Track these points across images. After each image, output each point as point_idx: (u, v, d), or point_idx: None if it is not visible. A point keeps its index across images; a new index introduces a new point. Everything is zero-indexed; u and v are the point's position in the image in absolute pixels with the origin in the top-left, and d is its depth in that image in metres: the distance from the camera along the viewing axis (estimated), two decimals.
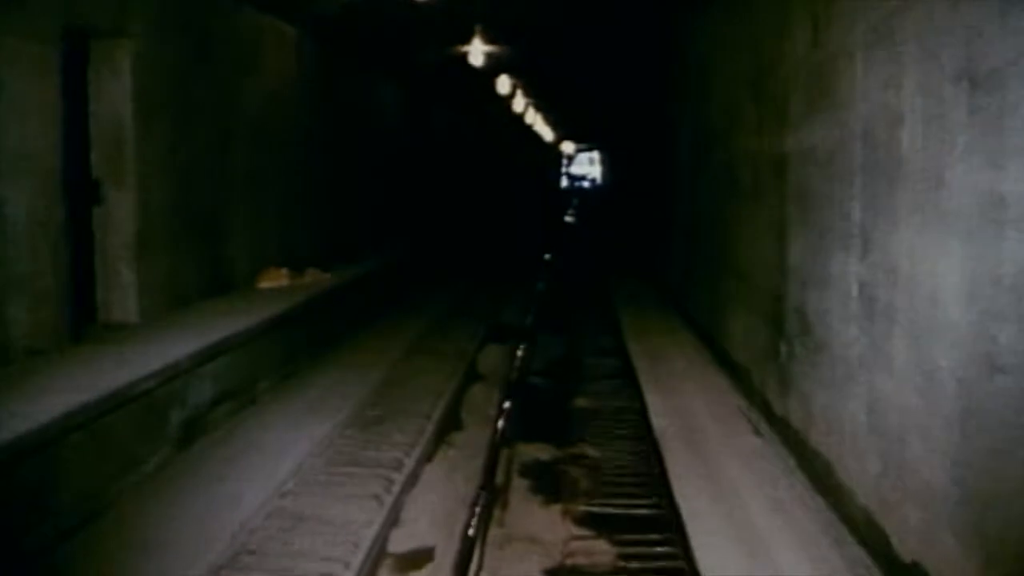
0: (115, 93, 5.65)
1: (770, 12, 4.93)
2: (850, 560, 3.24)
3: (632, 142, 15.02)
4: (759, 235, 5.17)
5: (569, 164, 51.39)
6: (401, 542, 4.01)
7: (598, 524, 4.19)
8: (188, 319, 6.00)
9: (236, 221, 7.50)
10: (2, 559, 3.38)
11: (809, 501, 3.78)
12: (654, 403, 5.41)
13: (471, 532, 4.05)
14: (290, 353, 6.75)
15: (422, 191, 15.80)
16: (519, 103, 18.51)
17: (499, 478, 4.86)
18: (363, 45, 10.75)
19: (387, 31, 10.18)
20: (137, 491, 4.25)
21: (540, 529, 4.17)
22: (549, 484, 4.76)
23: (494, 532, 4.15)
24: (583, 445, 5.35)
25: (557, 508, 4.41)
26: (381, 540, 3.93)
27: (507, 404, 6.18)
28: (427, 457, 5.09)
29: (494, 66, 12.49)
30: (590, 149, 44.28)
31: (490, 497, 4.50)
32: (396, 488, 4.46)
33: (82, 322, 5.38)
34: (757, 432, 4.75)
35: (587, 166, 50.43)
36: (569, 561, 3.84)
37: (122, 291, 5.71)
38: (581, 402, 6.37)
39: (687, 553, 3.53)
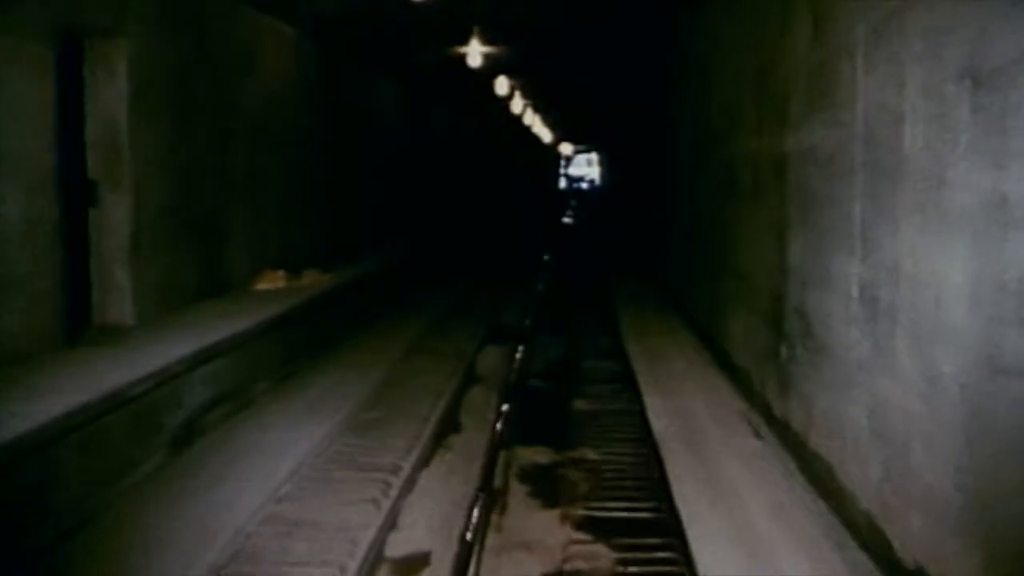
0: (111, 94, 5.61)
1: (770, 11, 4.89)
2: (852, 565, 3.20)
3: (632, 142, 14.99)
4: (759, 235, 5.13)
5: (567, 165, 51.36)
6: (398, 546, 3.98)
7: (597, 528, 4.15)
8: (184, 321, 5.96)
9: (235, 222, 7.46)
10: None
11: (810, 504, 3.75)
12: (654, 405, 5.37)
13: (469, 537, 4.01)
14: (289, 353, 6.72)
15: (422, 192, 15.77)
16: (517, 104, 18.47)
17: (497, 481, 4.82)
18: (362, 45, 10.72)
19: (386, 31, 10.15)
20: (133, 496, 4.21)
21: (538, 533, 4.13)
22: (548, 488, 4.72)
23: (492, 537, 4.11)
24: (582, 448, 5.31)
25: (556, 512, 4.37)
26: (378, 544, 3.89)
27: (506, 406, 6.14)
28: (425, 460, 5.05)
29: (492, 67, 12.45)
30: (588, 150, 44.27)
31: (488, 501, 4.47)
32: (394, 492, 4.43)
33: (77, 324, 5.35)
34: (757, 434, 4.72)
35: (585, 167, 50.39)
36: (568, 566, 3.80)
37: (118, 293, 5.67)
38: (580, 404, 6.33)
39: (687, 557, 3.50)
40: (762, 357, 4.96)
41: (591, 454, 5.20)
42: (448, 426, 5.77)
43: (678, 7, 8.62)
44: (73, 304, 5.26)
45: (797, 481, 4.01)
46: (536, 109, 22.03)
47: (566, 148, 45.22)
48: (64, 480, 3.85)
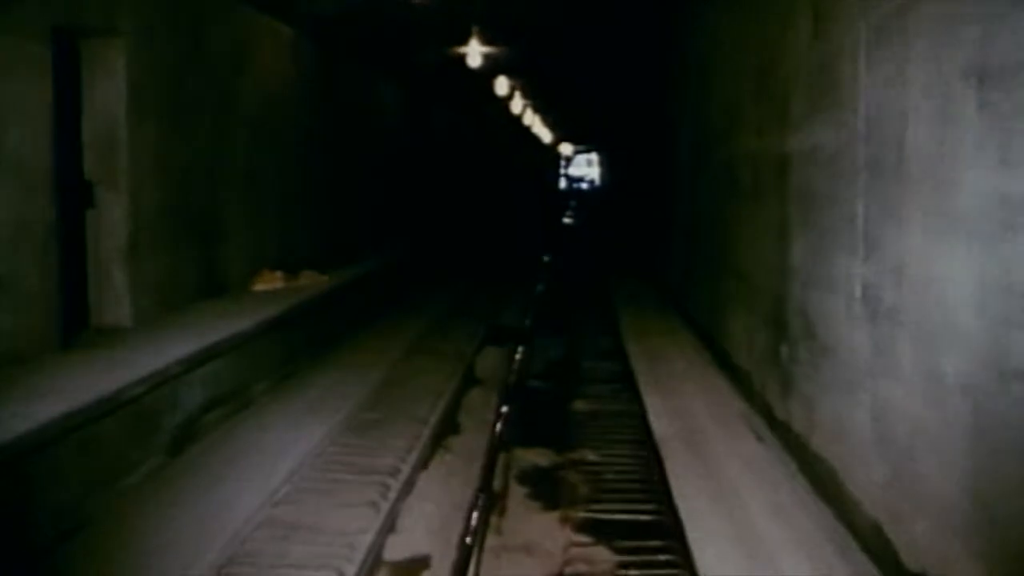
0: (109, 94, 5.58)
1: (771, 9, 4.86)
2: (855, 569, 3.16)
3: (632, 142, 14.96)
4: (760, 236, 5.10)
5: (567, 166, 51.37)
6: (397, 550, 3.94)
7: (598, 531, 4.11)
8: (182, 322, 5.93)
9: (233, 222, 7.44)
10: None
11: (813, 508, 3.71)
12: (654, 406, 5.34)
13: (468, 540, 3.98)
14: (288, 354, 6.69)
15: (421, 192, 15.75)
16: (517, 104, 18.44)
17: (497, 483, 4.78)
18: (362, 45, 10.69)
19: (386, 31, 10.12)
20: (132, 497, 4.18)
21: (538, 536, 4.10)
22: (548, 490, 4.69)
23: (491, 539, 4.08)
24: (582, 449, 5.27)
25: (556, 514, 4.34)
26: (376, 548, 3.86)
27: (505, 408, 6.11)
28: (424, 462, 5.02)
29: (492, 67, 12.42)
30: (588, 151, 44.26)
31: (488, 503, 4.43)
32: (392, 494, 4.39)
33: (74, 326, 5.31)
34: (758, 436, 4.68)
35: (585, 167, 50.40)
36: (568, 569, 3.77)
37: (115, 294, 5.64)
38: (580, 405, 6.30)
39: (688, 560, 3.46)
40: (763, 358, 4.93)
41: (591, 455, 5.17)
42: (447, 427, 5.74)
43: (678, 6, 8.59)
44: (70, 305, 5.23)
45: (799, 483, 3.97)
46: (536, 109, 22.01)
47: (566, 148, 45.21)
48: (63, 481, 3.82)
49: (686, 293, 8.17)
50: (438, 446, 5.35)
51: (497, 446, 5.32)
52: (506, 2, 9.16)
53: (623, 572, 3.72)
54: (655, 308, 8.91)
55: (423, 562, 3.83)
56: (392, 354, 7.47)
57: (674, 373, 6.13)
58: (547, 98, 19.25)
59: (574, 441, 5.44)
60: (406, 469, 4.75)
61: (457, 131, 19.83)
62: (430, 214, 16.35)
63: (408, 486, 4.61)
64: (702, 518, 3.65)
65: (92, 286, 5.63)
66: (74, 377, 4.39)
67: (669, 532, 3.93)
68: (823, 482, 3.75)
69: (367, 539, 3.83)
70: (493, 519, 4.30)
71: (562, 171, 50.01)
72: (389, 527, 4.10)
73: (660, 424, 4.96)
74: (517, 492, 4.69)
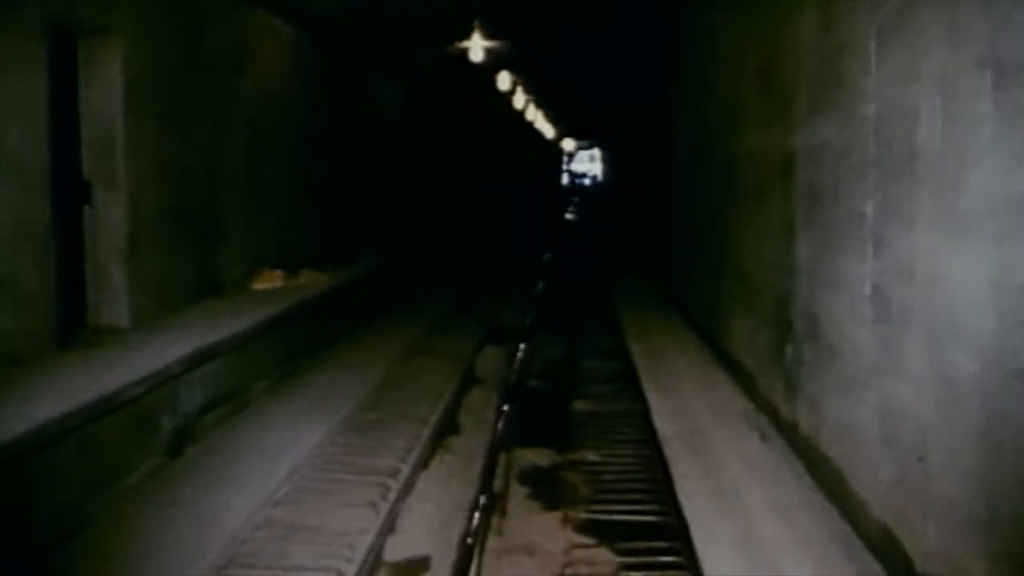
0: (105, 92, 5.53)
1: (775, 3, 4.80)
2: (862, 572, 3.12)
3: (633, 140, 14.90)
4: (763, 235, 5.05)
5: (570, 161, 51.31)
6: (397, 551, 3.90)
7: (600, 532, 4.07)
8: (181, 322, 5.90)
9: (233, 222, 7.39)
10: None
11: (819, 509, 3.66)
12: (656, 406, 5.29)
13: (469, 540, 3.94)
14: (288, 353, 6.66)
15: (422, 191, 15.70)
16: (519, 100, 18.38)
17: (497, 484, 4.74)
18: (362, 43, 10.64)
19: (385, 28, 10.07)
20: (132, 497, 4.15)
21: (540, 537, 4.06)
22: (549, 490, 4.65)
23: (492, 540, 4.04)
24: (583, 450, 5.23)
25: (557, 515, 4.30)
26: (376, 549, 3.82)
27: (506, 407, 6.07)
28: (424, 462, 4.98)
29: (494, 62, 12.36)
30: (591, 146, 44.15)
31: (488, 504, 4.39)
32: (392, 495, 4.35)
33: (72, 326, 5.27)
34: (762, 436, 4.63)
35: (587, 163, 50.34)
36: (569, 571, 3.73)
37: (113, 294, 5.60)
38: (581, 405, 6.25)
39: (693, 562, 3.42)
40: (766, 357, 4.88)
41: (592, 455, 5.13)
42: (448, 427, 5.70)
43: (678, 4, 8.53)
44: (68, 305, 5.19)
45: (805, 484, 3.93)
46: (538, 105, 21.95)
47: (568, 144, 45.12)
48: (62, 482, 3.79)
49: (687, 292, 8.12)
50: (438, 446, 5.31)
51: (497, 446, 5.28)
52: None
53: (625, 574, 3.68)
54: (656, 307, 8.86)
55: (423, 563, 3.79)
56: (392, 353, 7.44)
57: (676, 372, 6.09)
58: (550, 94, 19.20)
59: (575, 441, 5.39)
60: (406, 469, 4.71)
61: (458, 129, 19.78)
62: (430, 213, 16.30)
63: (408, 486, 4.57)
64: (707, 519, 3.61)
65: (90, 286, 5.59)
66: (72, 377, 4.35)
67: (673, 533, 3.88)
68: (829, 482, 3.70)
69: (367, 540, 3.80)
70: (494, 520, 4.26)
71: (564, 167, 49.95)
72: (389, 528, 4.07)
73: (663, 424, 4.91)
74: (518, 492, 4.65)
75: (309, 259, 8.64)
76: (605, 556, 3.85)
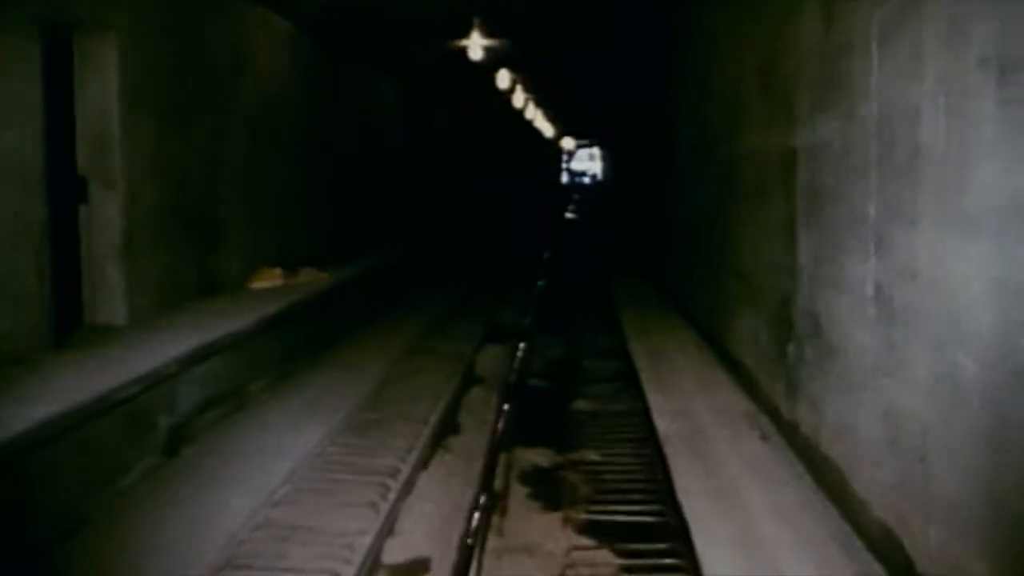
0: (101, 89, 5.50)
1: (776, 2, 4.78)
2: (863, 569, 3.10)
3: (632, 139, 14.88)
4: (765, 234, 5.02)
5: (569, 160, 51.29)
6: (396, 552, 3.88)
7: (600, 532, 4.05)
8: (179, 320, 5.87)
9: (232, 221, 7.37)
10: None
11: (820, 509, 3.64)
12: (657, 405, 5.26)
13: (469, 541, 3.92)
14: (288, 352, 6.63)
15: (422, 190, 15.67)
16: (519, 98, 18.35)
17: (498, 484, 4.72)
18: (362, 41, 10.61)
19: (385, 27, 10.04)
20: (130, 497, 4.13)
21: (540, 538, 4.03)
22: (549, 490, 4.62)
23: (492, 541, 4.02)
24: (584, 449, 5.21)
25: (558, 516, 4.27)
26: (375, 551, 3.79)
27: (506, 407, 6.05)
28: (424, 462, 4.96)
29: (493, 60, 12.33)
30: (590, 145, 44.13)
31: (488, 504, 4.37)
32: (392, 495, 4.33)
33: (68, 325, 5.24)
34: (763, 436, 4.61)
35: (587, 162, 50.32)
36: (570, 572, 3.71)
37: (109, 292, 5.57)
38: (581, 404, 6.23)
39: (693, 564, 3.40)
40: (767, 357, 4.86)
41: (593, 455, 5.10)
42: (447, 427, 5.68)
43: (677, 3, 8.50)
44: (64, 304, 5.16)
45: (806, 484, 3.90)
46: (538, 104, 21.91)
47: (568, 143, 45.09)
48: (57, 482, 3.76)
49: (687, 291, 8.10)
50: (438, 446, 5.28)
51: (498, 446, 5.26)
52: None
53: None
54: (656, 306, 8.84)
55: (423, 564, 3.77)
56: (392, 353, 7.41)
57: (677, 372, 6.06)
58: (549, 92, 19.17)
59: (575, 441, 5.37)
60: (406, 469, 4.69)
61: (458, 129, 19.74)
62: (430, 213, 16.28)
63: (408, 486, 4.55)
64: (707, 520, 3.58)
65: (86, 284, 5.55)
66: (67, 377, 4.33)
67: (673, 534, 3.86)
68: (830, 482, 3.68)
69: (366, 541, 3.77)
70: (494, 520, 4.24)
71: (564, 166, 49.93)
72: (388, 528, 4.04)
73: (663, 424, 4.89)
74: (518, 492, 4.62)
75: (309, 259, 8.61)
76: (606, 557, 3.82)
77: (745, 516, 3.60)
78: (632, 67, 12.65)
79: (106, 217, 5.56)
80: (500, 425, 5.67)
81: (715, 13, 6.78)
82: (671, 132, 9.33)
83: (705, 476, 4.07)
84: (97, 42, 5.46)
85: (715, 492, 3.87)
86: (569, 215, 29.74)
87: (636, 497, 4.43)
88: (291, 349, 6.73)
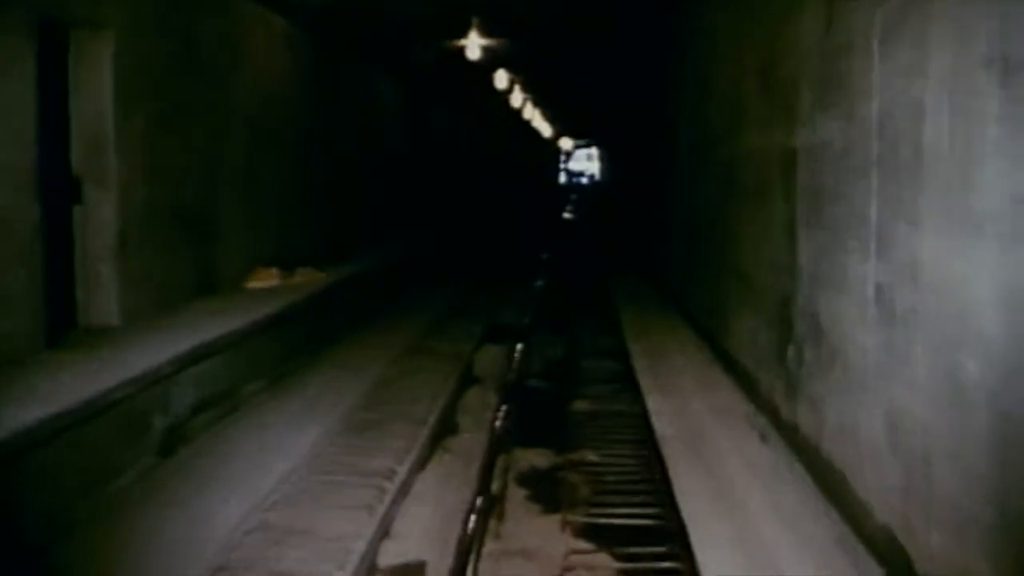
0: (95, 88, 5.45)
1: (775, 0, 4.75)
2: (864, 570, 3.07)
3: (632, 139, 14.85)
4: (765, 234, 4.99)
5: (567, 160, 51.27)
6: (392, 555, 3.84)
7: (599, 535, 4.02)
8: (175, 321, 5.83)
9: (231, 221, 7.33)
10: None
11: (821, 513, 3.61)
12: (656, 406, 5.24)
13: (466, 544, 3.88)
14: (285, 352, 6.60)
15: (421, 190, 15.64)
16: (517, 98, 18.30)
17: (495, 485, 4.69)
18: (360, 40, 10.57)
19: (384, 26, 10.00)
20: (123, 499, 4.09)
21: (538, 541, 4.00)
22: (547, 492, 4.59)
23: (490, 544, 3.99)
24: (583, 450, 5.18)
25: (556, 518, 4.24)
26: (371, 554, 3.76)
27: (504, 407, 6.02)
28: (421, 463, 4.92)
29: (491, 60, 12.29)
30: (588, 145, 44.11)
31: (486, 506, 4.34)
32: (388, 497, 4.29)
33: (61, 326, 5.20)
34: (763, 437, 4.58)
35: (585, 162, 50.31)
36: (569, 575, 3.68)
37: (103, 293, 5.52)
38: (581, 405, 6.20)
39: (693, 568, 3.36)
40: (767, 359, 4.83)
41: (592, 456, 5.07)
42: (446, 427, 5.65)
43: (677, 3, 8.47)
44: (57, 305, 5.12)
45: (806, 485, 3.87)
46: (536, 103, 21.87)
47: (566, 143, 45.07)
48: (51, 484, 3.73)
49: (687, 292, 8.07)
50: (436, 447, 5.25)
51: (496, 447, 5.23)
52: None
53: None
54: (655, 306, 8.81)
55: (418, 568, 3.73)
56: (391, 353, 7.38)
57: (676, 372, 6.04)
58: (547, 92, 19.12)
59: (574, 441, 5.34)
60: (403, 471, 4.65)
61: (457, 129, 19.72)
62: (430, 213, 16.25)
63: (405, 488, 4.52)
64: (706, 523, 3.56)
65: (80, 285, 5.51)
66: (61, 378, 4.29)
67: (672, 537, 3.83)
68: (830, 483, 3.65)
69: (361, 544, 3.73)
70: (491, 523, 4.21)
71: (562, 166, 49.91)
72: (384, 531, 4.01)
73: (662, 425, 4.86)
74: (516, 494, 4.59)
75: (309, 258, 8.58)
76: (605, 561, 3.79)
77: (744, 517, 3.58)
78: (632, 67, 12.62)
79: (100, 218, 5.51)
80: (498, 425, 5.64)
81: (715, 13, 6.75)
82: (671, 132, 9.30)
83: (705, 477, 4.05)
84: (93, 41, 5.42)
85: (715, 493, 3.84)
86: (567, 215, 29.71)
87: (635, 499, 4.40)
88: (289, 349, 6.70)
